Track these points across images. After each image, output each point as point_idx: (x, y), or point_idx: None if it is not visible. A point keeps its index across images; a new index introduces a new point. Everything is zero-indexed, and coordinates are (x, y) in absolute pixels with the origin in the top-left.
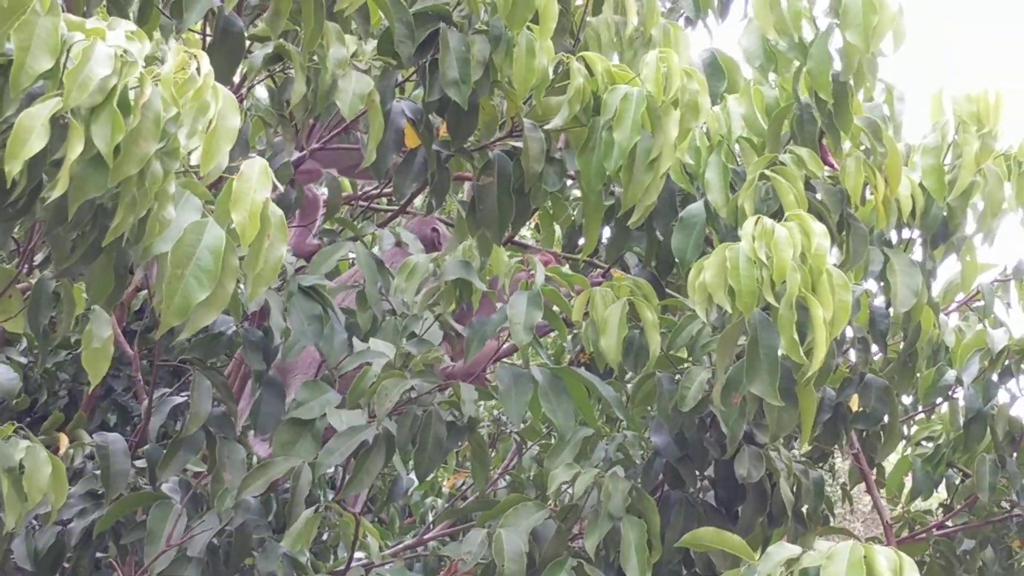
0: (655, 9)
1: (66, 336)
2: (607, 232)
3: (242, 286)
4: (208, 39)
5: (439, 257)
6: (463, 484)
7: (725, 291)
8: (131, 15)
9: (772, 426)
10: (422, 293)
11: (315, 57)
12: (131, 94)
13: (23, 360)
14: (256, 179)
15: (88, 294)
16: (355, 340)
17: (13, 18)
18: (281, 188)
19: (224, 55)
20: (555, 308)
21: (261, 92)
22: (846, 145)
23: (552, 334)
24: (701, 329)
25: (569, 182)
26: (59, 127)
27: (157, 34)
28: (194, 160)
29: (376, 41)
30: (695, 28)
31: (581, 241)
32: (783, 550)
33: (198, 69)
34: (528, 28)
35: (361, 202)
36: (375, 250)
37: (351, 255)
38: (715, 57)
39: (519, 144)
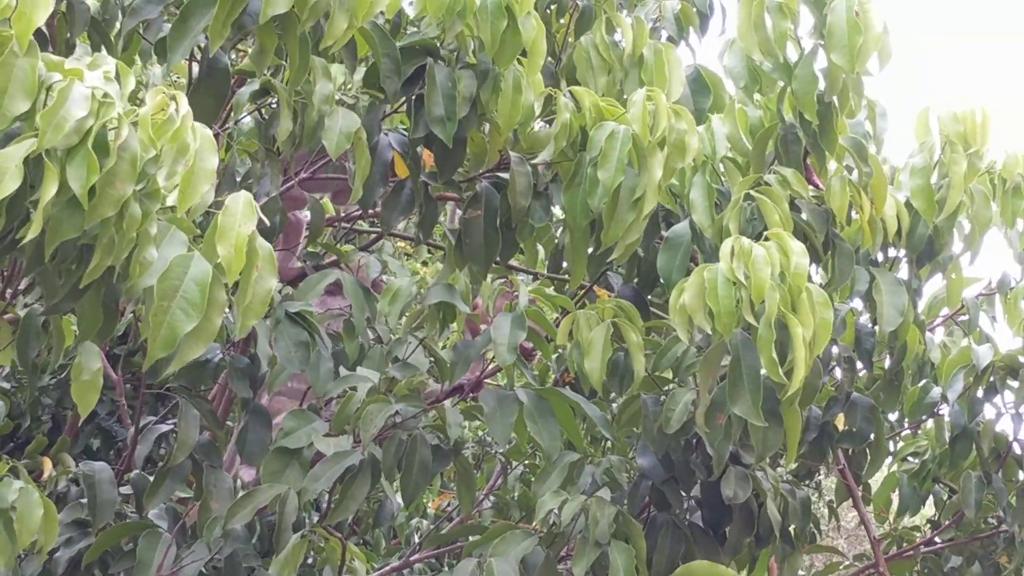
0: (645, 30)
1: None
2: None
3: (230, 316)
4: (195, 75)
5: (422, 280)
6: (448, 505)
7: (705, 312)
8: (116, 42)
9: (757, 447)
10: (406, 317)
11: (301, 92)
12: (109, 135)
13: (6, 385)
14: (241, 213)
15: (78, 329)
16: (342, 369)
17: None
18: (267, 221)
19: (210, 92)
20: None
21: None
22: (831, 165)
23: (537, 356)
24: (686, 350)
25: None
26: (36, 168)
27: (138, 62)
28: (171, 201)
29: (364, 69)
30: (677, 46)
31: (565, 264)
32: None
33: (176, 109)
34: (518, 62)
35: (343, 224)
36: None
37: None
38: (700, 73)
39: (507, 176)
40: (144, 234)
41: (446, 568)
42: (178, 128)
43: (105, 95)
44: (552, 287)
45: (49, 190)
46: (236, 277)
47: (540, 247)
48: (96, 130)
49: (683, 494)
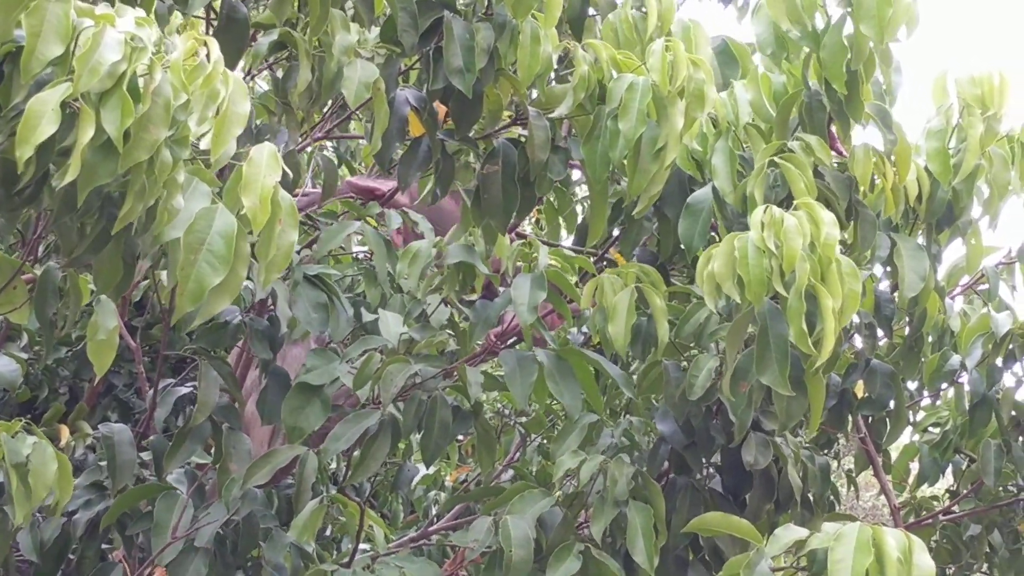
0: (672, 6)
1: (67, 333)
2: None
3: (249, 280)
4: (212, 26)
5: (441, 242)
6: (466, 479)
7: (734, 281)
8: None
9: (781, 415)
10: (425, 279)
11: (320, 45)
12: (140, 81)
13: (24, 356)
14: (265, 164)
15: (95, 284)
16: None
17: (23, 4)
18: (291, 173)
19: (228, 42)
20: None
21: (261, 83)
22: (855, 132)
23: (560, 325)
24: (709, 317)
25: (575, 175)
26: (67, 115)
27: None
28: (203, 145)
29: (379, 28)
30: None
31: None
32: (790, 532)
33: (208, 55)
34: (533, 16)
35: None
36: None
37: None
38: (727, 45)
39: (524, 133)
40: (172, 181)
41: None
42: (210, 73)
43: (136, 38)
44: None
45: (86, 133)
46: (260, 228)
47: (562, 220)
48: (129, 75)
49: (703, 459)
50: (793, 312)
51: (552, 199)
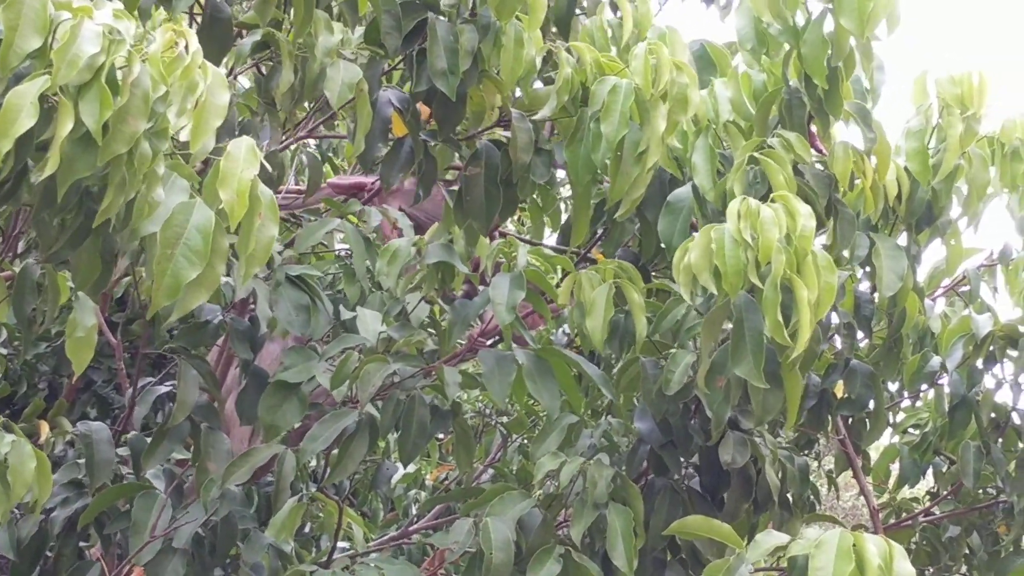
0: (649, 12)
1: (47, 329)
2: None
3: (230, 277)
4: (196, 25)
5: (421, 240)
6: (446, 477)
7: (710, 272)
8: None
9: (757, 409)
10: (404, 277)
11: (302, 45)
12: (119, 74)
13: (3, 351)
14: (243, 158)
15: (74, 280)
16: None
17: None
18: (269, 168)
19: (212, 42)
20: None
21: (244, 81)
22: (835, 130)
23: (540, 326)
24: (686, 313)
25: (560, 174)
26: (45, 109)
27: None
28: (183, 137)
29: (363, 29)
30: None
31: None
32: (771, 538)
33: (186, 47)
34: (516, 18)
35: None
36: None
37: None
38: (705, 49)
39: (507, 135)
40: (152, 174)
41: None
42: (188, 65)
43: (114, 31)
44: None
45: (65, 126)
46: (238, 223)
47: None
48: (108, 67)
49: (681, 459)
50: (769, 303)
51: (536, 197)
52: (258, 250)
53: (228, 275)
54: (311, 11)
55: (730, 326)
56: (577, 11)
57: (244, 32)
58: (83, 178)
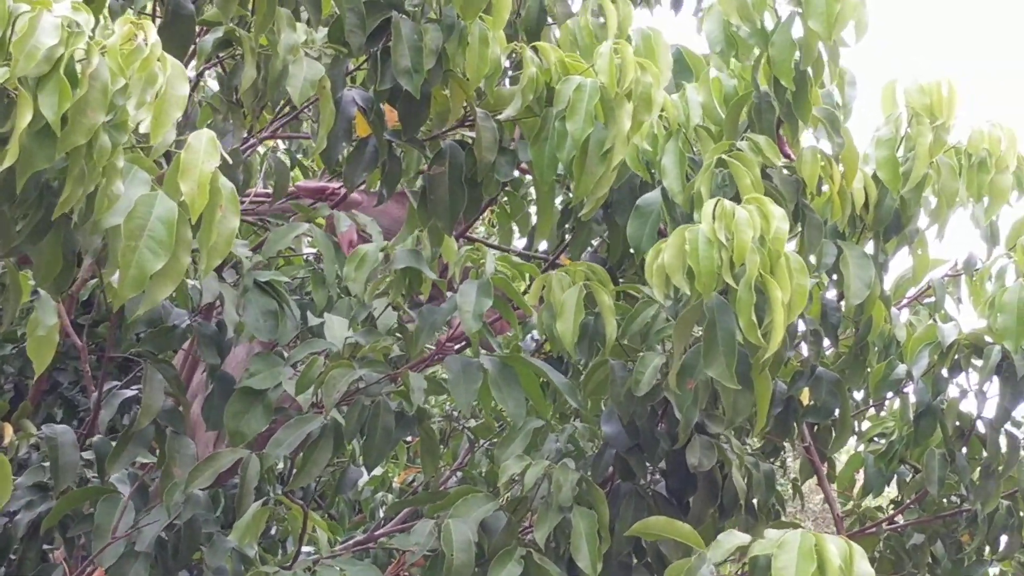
0: (630, 13)
1: (12, 330)
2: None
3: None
4: (158, 22)
5: (389, 246)
6: (413, 480)
7: (683, 273)
8: None
9: (728, 410)
10: (371, 283)
11: (265, 42)
12: (78, 66)
13: None
14: (203, 151)
15: (35, 277)
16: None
17: None
18: (229, 160)
19: (174, 38)
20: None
21: (213, 86)
22: (804, 136)
23: (507, 332)
24: (656, 316)
25: (527, 177)
26: (4, 103)
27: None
28: (143, 129)
29: (327, 28)
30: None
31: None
32: (733, 538)
33: (145, 40)
34: (480, 18)
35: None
36: None
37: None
38: (682, 54)
39: (471, 134)
40: (111, 167)
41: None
42: (147, 57)
43: (73, 23)
44: None
45: (24, 118)
46: (199, 214)
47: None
48: (66, 59)
49: (647, 464)
50: (743, 304)
51: (504, 202)
52: (219, 242)
53: (195, 278)
54: (273, 8)
55: (700, 330)
56: (549, 20)
57: (206, 29)
58: (43, 171)
